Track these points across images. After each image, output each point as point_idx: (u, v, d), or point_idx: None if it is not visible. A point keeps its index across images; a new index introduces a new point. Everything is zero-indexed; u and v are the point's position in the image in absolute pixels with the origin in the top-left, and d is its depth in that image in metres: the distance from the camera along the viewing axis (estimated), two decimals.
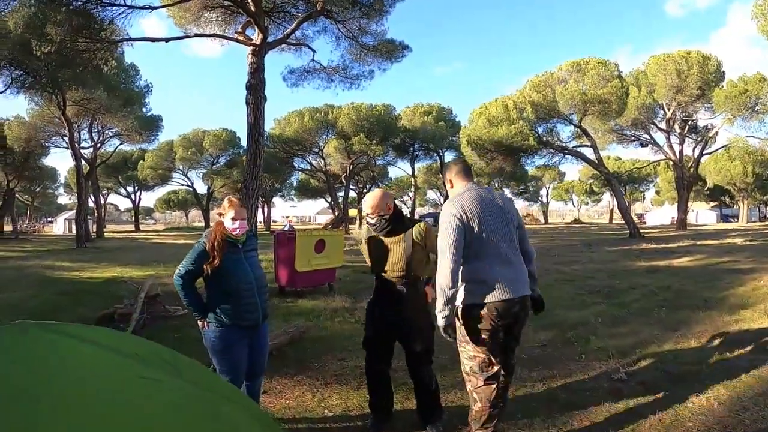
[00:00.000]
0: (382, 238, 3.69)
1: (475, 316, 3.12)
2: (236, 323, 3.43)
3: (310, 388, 4.69)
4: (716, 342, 5.67)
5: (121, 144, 40.26)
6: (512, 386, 3.94)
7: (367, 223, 3.71)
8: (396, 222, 3.65)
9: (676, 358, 5.15)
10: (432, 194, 78.66)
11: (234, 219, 3.49)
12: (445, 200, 3.41)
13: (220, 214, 3.57)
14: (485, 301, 3.08)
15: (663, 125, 32.65)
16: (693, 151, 35.10)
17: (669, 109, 31.08)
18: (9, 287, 11.27)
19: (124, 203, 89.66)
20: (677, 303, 8.11)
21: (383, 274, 3.72)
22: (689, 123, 33.08)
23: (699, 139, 34.47)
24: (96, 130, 35.81)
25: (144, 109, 33.58)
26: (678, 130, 32.89)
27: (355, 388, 4.65)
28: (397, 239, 3.63)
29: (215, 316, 3.43)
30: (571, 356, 5.34)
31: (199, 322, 3.51)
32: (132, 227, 64.91)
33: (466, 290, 3.17)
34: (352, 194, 54.40)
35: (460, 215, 3.11)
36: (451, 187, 3.43)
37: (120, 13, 12.95)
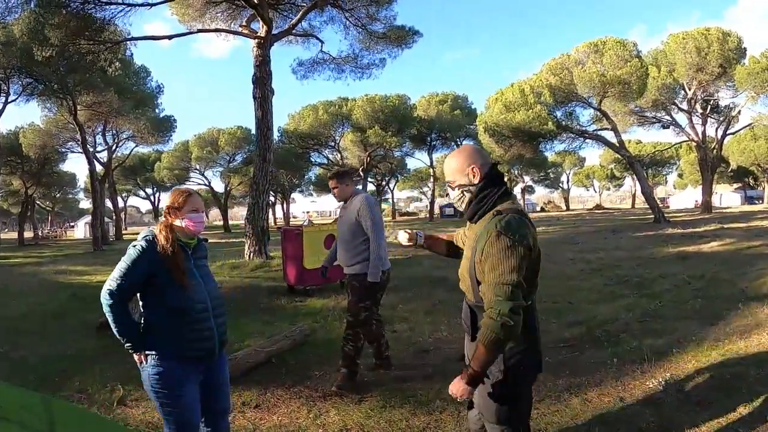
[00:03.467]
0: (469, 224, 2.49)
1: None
2: (184, 354, 2.61)
3: (306, 401, 4.24)
4: (764, 339, 5.05)
5: (136, 146, 40.38)
6: (535, 397, 3.49)
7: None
8: (481, 199, 2.32)
9: (719, 360, 4.58)
10: None
11: (194, 211, 2.72)
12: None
13: (169, 209, 2.73)
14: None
15: (684, 105, 31.68)
16: (716, 131, 34.00)
17: (690, 89, 30.14)
18: (21, 294, 11.20)
19: (145, 205, 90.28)
20: (713, 293, 7.55)
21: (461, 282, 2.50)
22: (711, 102, 32.02)
23: (722, 118, 33.37)
24: (110, 133, 35.90)
25: (156, 110, 33.64)
26: (700, 110, 31.87)
27: (356, 402, 4.18)
28: (475, 230, 2.33)
29: (156, 346, 2.59)
30: (602, 359, 4.81)
31: (135, 356, 2.65)
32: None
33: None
34: (371, 187, 54.06)
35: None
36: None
37: (119, 12, 12.70)
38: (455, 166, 2.41)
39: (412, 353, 5.46)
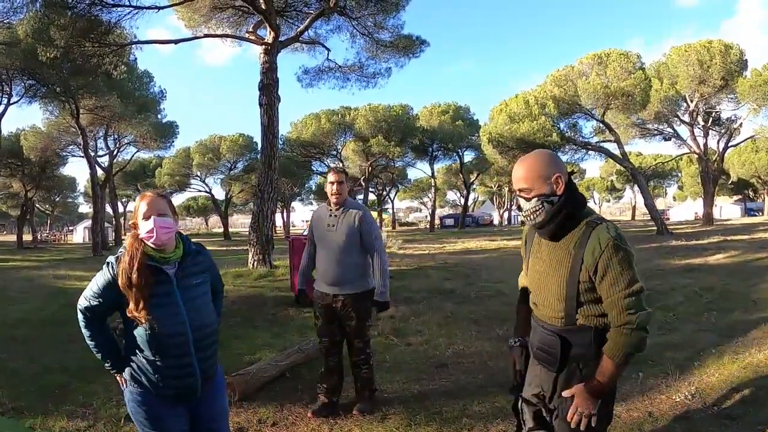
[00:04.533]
0: (542, 239, 2.19)
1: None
2: (158, 392, 2.24)
3: (327, 419, 4.03)
4: None
5: (138, 152, 40.27)
6: None
7: (518, 209, 2.31)
8: (568, 213, 2.06)
9: (742, 373, 4.52)
10: (452, 195, 77.99)
11: (146, 216, 2.19)
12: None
13: (133, 224, 2.26)
14: None
15: (686, 118, 31.66)
16: (717, 143, 34.02)
17: (692, 101, 30.14)
18: (19, 298, 10.93)
19: None
20: (725, 305, 7.54)
21: (533, 306, 2.29)
22: (713, 115, 32.05)
23: (723, 131, 33.40)
24: (112, 137, 35.80)
25: (159, 116, 33.55)
26: (702, 123, 31.88)
27: (379, 420, 3.99)
28: (562, 247, 2.08)
29: (132, 375, 2.26)
30: (626, 373, 4.61)
31: (117, 377, 2.34)
32: None
33: None
34: (372, 197, 53.95)
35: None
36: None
37: (126, 15, 12.64)
38: (537, 173, 2.07)
39: (432, 368, 5.32)
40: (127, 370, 2.26)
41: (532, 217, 2.09)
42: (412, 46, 16.84)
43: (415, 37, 16.76)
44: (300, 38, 15.27)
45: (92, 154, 31.13)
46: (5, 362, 5.83)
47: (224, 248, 30.35)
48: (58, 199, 55.55)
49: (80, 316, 2.23)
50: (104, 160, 36.72)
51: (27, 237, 42.03)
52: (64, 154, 36.00)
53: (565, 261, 2.04)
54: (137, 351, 2.21)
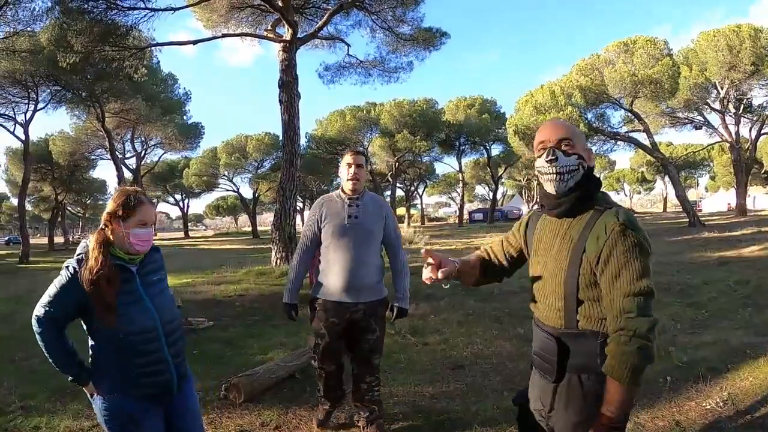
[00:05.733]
0: (545, 229, 1.94)
1: None
2: (134, 393, 2.15)
3: (333, 423, 3.87)
4: None
5: (164, 153, 40.75)
6: None
7: (537, 172, 1.90)
8: (585, 192, 1.82)
9: None
10: (480, 189, 77.26)
11: (141, 225, 2.16)
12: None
13: (110, 217, 2.16)
14: None
15: (717, 105, 30.81)
16: (750, 131, 33.08)
17: (722, 88, 29.28)
18: None
19: (174, 211, 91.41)
20: (761, 301, 7.17)
21: (533, 304, 2.00)
22: (744, 102, 31.16)
23: (755, 118, 32.46)
24: (139, 140, 36.31)
25: (184, 117, 33.90)
26: (733, 110, 31.01)
27: (387, 424, 3.79)
28: (565, 236, 1.82)
29: (102, 379, 2.17)
30: (652, 377, 4.35)
31: (85, 388, 2.21)
32: (181, 234, 66.39)
33: None
34: (399, 192, 53.85)
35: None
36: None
37: (142, 18, 12.66)
38: (578, 134, 1.84)
39: (447, 369, 5.10)
40: (97, 379, 2.16)
41: (566, 177, 1.78)
42: (433, 39, 16.61)
43: (435, 30, 16.53)
44: (319, 34, 15.16)
45: (119, 156, 31.63)
46: (21, 362, 5.85)
47: (251, 246, 30.49)
48: (88, 201, 56.55)
49: (36, 327, 2.10)
50: (132, 162, 37.30)
51: (59, 239, 42.79)
52: (93, 157, 36.71)
53: (565, 250, 1.77)
54: (109, 354, 2.13)
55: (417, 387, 4.60)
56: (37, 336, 2.12)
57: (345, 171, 3.45)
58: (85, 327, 2.18)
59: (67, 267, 2.11)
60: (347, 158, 3.46)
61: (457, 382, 4.71)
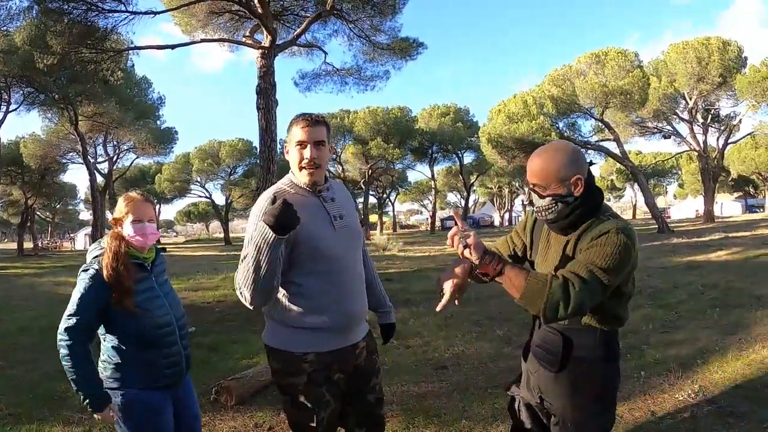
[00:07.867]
0: (552, 232, 2.02)
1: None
2: (157, 384, 2.26)
3: None
4: None
5: (137, 158, 40.26)
6: None
7: (532, 206, 1.99)
8: (586, 210, 1.89)
9: (746, 370, 4.50)
10: (452, 197, 77.85)
11: (135, 221, 2.25)
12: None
13: (116, 221, 2.31)
14: None
15: (685, 115, 31.71)
16: (717, 140, 34.04)
17: (691, 99, 30.14)
18: (21, 306, 10.97)
19: None
20: (728, 302, 7.51)
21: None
22: (712, 112, 32.09)
23: (722, 128, 33.42)
24: (111, 144, 35.83)
25: (158, 122, 33.53)
26: (701, 120, 31.91)
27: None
28: (567, 240, 1.94)
29: (124, 379, 2.21)
30: (628, 372, 4.59)
31: (97, 416, 2.15)
32: None
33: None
34: (372, 200, 53.88)
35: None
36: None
37: (122, 21, 12.53)
38: (555, 171, 1.87)
39: (431, 369, 5.26)
40: (115, 382, 2.22)
41: (543, 214, 1.94)
42: (410, 49, 16.75)
43: (413, 40, 16.66)
44: (297, 42, 15.18)
45: (92, 160, 31.18)
46: (5, 370, 5.82)
47: (225, 253, 30.32)
48: (58, 206, 55.59)
49: (66, 339, 2.12)
50: (104, 167, 36.80)
51: (28, 245, 41.97)
52: (64, 161, 35.97)
53: (569, 251, 1.90)
54: (136, 349, 2.22)
55: (403, 387, 4.73)
56: (65, 350, 2.11)
57: (296, 154, 2.19)
58: (104, 330, 2.24)
59: (86, 270, 2.20)
60: (297, 132, 2.16)
61: (441, 382, 4.86)
